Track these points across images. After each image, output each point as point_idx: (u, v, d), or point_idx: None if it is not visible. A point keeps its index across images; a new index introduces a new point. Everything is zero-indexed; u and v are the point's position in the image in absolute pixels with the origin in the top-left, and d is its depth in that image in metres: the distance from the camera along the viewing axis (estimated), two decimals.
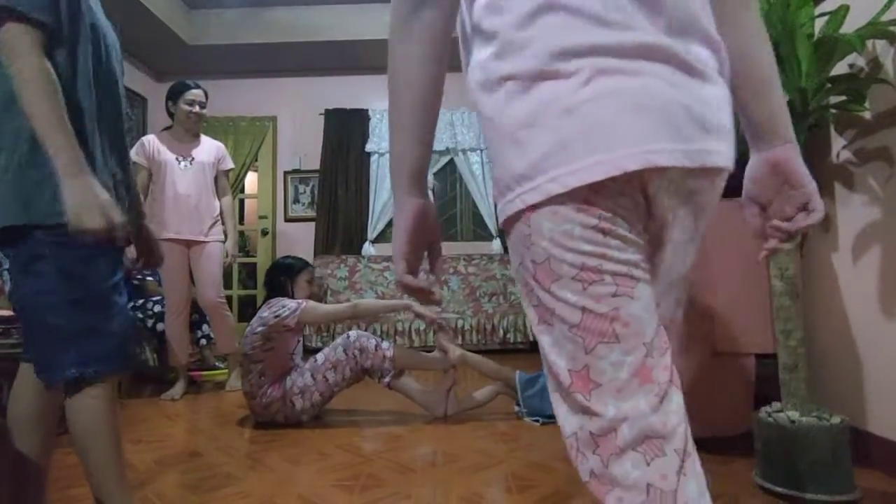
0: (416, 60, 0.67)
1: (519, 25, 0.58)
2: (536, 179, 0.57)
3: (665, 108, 0.56)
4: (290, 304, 2.26)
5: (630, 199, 0.58)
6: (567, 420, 0.61)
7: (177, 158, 2.88)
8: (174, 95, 2.92)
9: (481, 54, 0.64)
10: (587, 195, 0.56)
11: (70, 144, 1.00)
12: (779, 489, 1.43)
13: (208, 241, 2.90)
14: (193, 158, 2.92)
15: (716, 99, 0.61)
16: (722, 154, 0.62)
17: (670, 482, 0.56)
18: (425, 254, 0.72)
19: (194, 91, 2.93)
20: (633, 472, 0.56)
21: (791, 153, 0.73)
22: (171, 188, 2.82)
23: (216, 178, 3.04)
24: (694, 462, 0.59)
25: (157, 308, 3.19)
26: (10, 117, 1.02)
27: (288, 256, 2.59)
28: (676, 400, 0.60)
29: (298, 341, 2.37)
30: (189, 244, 2.86)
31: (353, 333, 2.29)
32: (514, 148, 0.59)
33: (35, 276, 1.04)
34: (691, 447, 0.60)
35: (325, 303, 4.82)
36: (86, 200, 1.00)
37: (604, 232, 0.57)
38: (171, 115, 2.94)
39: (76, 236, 1.00)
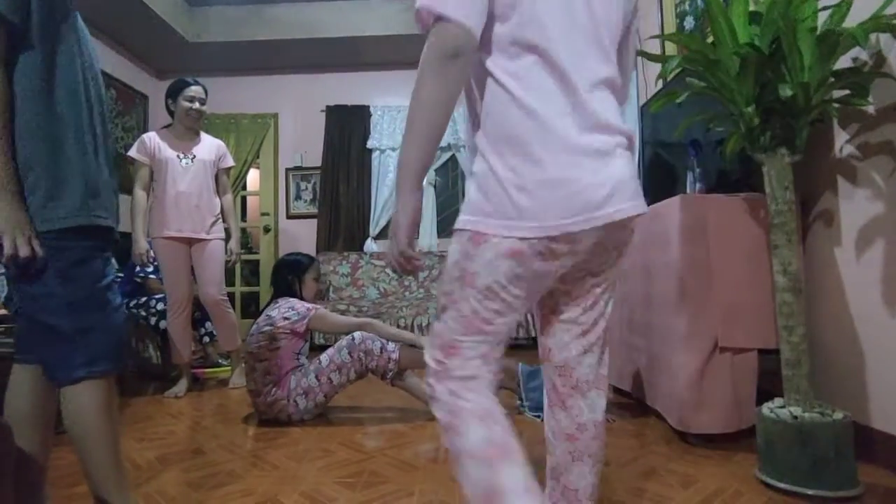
0: (445, 95, 0.83)
1: (491, 101, 0.89)
2: (483, 218, 0.85)
3: (591, 185, 0.83)
4: (300, 307, 2.26)
5: (557, 250, 0.85)
6: (429, 356, 0.93)
7: (178, 156, 2.87)
8: (173, 93, 2.90)
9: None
10: (522, 245, 0.83)
11: (4, 159, 1.00)
12: (781, 485, 1.43)
13: (210, 239, 2.90)
14: (195, 156, 2.91)
15: (623, 169, 0.88)
16: (636, 207, 0.90)
17: (472, 400, 0.89)
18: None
19: (194, 88, 2.91)
20: (472, 431, 0.89)
21: None
22: (171, 186, 2.82)
23: (216, 176, 3.04)
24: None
25: (160, 306, 3.20)
26: None
27: (293, 253, 2.58)
28: (491, 371, 0.92)
29: (305, 342, 2.36)
30: (190, 242, 2.87)
31: (357, 335, 2.27)
32: (500, 195, 0.84)
33: (36, 280, 1.05)
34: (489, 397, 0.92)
35: (328, 299, 4.83)
36: (6, 222, 1.00)
37: (515, 274, 0.85)
38: (170, 112, 2.93)
39: (6, 260, 1.01)
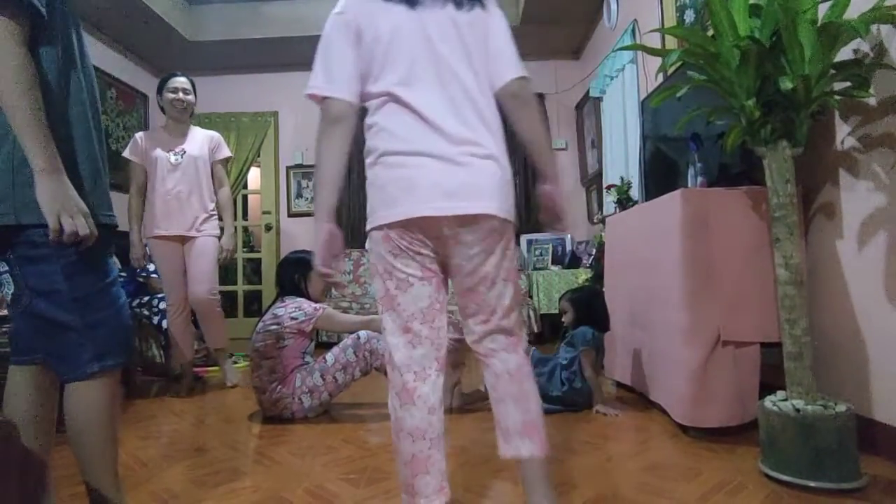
0: (336, 149, 1.14)
1: (370, 136, 1.17)
2: (371, 217, 1.16)
3: (424, 185, 1.08)
4: (307, 307, 2.26)
5: (414, 236, 1.11)
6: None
7: (167, 153, 2.82)
8: (160, 88, 2.89)
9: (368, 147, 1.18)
10: (386, 231, 1.12)
11: (48, 143, 0.99)
12: (784, 477, 1.43)
13: (199, 237, 2.85)
14: (185, 152, 2.85)
15: (466, 177, 1.09)
16: (467, 207, 1.09)
17: (404, 388, 1.14)
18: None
19: (177, 79, 2.87)
20: (393, 376, 1.17)
21: (554, 188, 1.25)
22: (160, 184, 2.78)
23: (213, 169, 2.97)
24: (418, 378, 1.15)
25: (163, 305, 3.20)
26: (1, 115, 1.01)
27: (298, 251, 2.55)
28: (425, 345, 1.16)
29: (311, 341, 2.36)
30: (182, 240, 2.83)
31: (363, 334, 2.28)
32: (373, 189, 1.16)
33: (40, 276, 1.05)
34: (424, 368, 1.16)
35: (330, 296, 4.83)
36: (65, 202, 1.00)
37: (392, 254, 1.13)
38: (162, 109, 2.92)
39: (53, 238, 1.00)
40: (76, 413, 1.10)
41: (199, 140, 2.93)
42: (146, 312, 3.23)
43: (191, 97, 2.91)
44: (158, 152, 2.81)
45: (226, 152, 3.04)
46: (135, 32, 4.35)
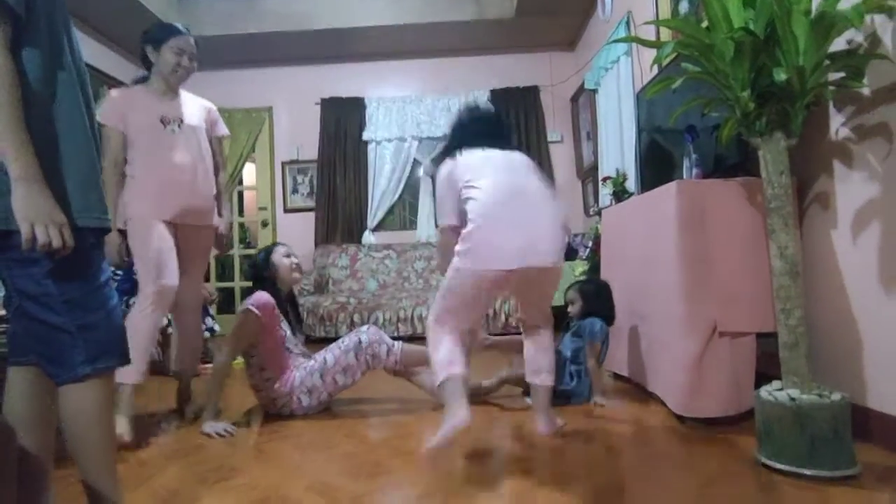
0: (442, 259, 1.89)
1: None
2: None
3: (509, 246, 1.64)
4: (249, 302, 2.18)
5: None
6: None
7: (161, 120, 2.17)
8: (156, 40, 2.19)
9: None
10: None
11: (26, 150, 0.97)
12: (780, 466, 1.44)
13: (203, 227, 2.32)
14: (182, 121, 2.23)
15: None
16: (539, 260, 1.67)
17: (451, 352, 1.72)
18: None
19: (183, 38, 2.19)
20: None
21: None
22: (156, 158, 2.14)
23: (211, 148, 2.39)
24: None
25: None
26: None
27: (258, 251, 2.50)
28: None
29: (284, 332, 2.27)
30: (177, 228, 2.21)
31: (364, 338, 2.27)
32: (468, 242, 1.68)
33: (29, 279, 1.04)
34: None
35: (328, 291, 4.84)
36: (38, 211, 0.98)
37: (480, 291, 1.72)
38: (147, 65, 2.23)
39: (25, 247, 0.98)
40: (71, 415, 1.10)
41: (197, 109, 2.34)
42: None
43: (196, 63, 2.28)
44: (149, 118, 2.15)
45: (224, 129, 2.49)
46: (127, 29, 4.31)
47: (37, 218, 0.97)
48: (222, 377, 2.12)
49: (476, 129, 1.88)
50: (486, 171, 1.73)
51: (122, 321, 1.16)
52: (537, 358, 1.86)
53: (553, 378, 1.86)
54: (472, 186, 1.70)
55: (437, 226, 1.84)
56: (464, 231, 1.69)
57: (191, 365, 2.42)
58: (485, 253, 1.64)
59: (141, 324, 2.03)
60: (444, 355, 1.70)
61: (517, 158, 1.82)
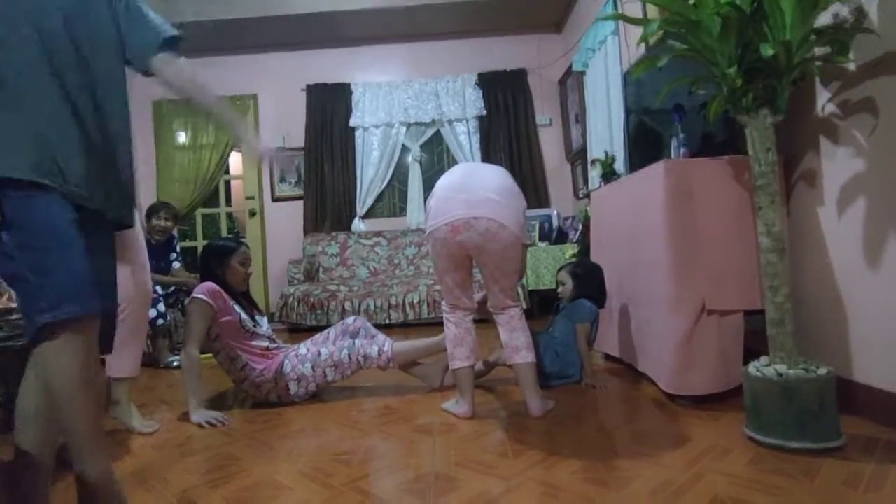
0: None
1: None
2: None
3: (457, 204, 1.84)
4: (194, 293, 2.17)
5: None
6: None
7: None
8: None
9: None
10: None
11: None
12: (768, 440, 1.46)
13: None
14: None
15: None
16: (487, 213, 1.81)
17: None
18: None
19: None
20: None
21: None
22: None
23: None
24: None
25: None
26: None
27: (221, 238, 2.46)
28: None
29: (235, 315, 2.21)
30: None
31: (358, 342, 2.28)
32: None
33: None
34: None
35: (318, 280, 4.81)
36: None
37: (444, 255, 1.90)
38: None
39: None
40: (48, 380, 1.03)
41: None
42: None
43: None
44: None
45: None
46: None
47: None
48: (196, 370, 2.09)
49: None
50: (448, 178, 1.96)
51: (84, 265, 1.07)
52: (513, 338, 1.90)
53: (533, 355, 1.90)
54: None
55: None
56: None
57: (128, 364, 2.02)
58: (433, 214, 1.86)
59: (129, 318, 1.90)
60: (449, 349, 1.95)
61: (484, 166, 2.02)
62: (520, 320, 1.92)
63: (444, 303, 2.01)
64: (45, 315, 1.01)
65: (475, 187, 1.84)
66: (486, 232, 1.78)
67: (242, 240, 2.59)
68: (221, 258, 2.28)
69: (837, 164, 1.72)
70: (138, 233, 1.92)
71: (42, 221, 1.05)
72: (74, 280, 1.05)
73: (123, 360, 1.90)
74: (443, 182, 1.93)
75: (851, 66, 1.63)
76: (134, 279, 1.87)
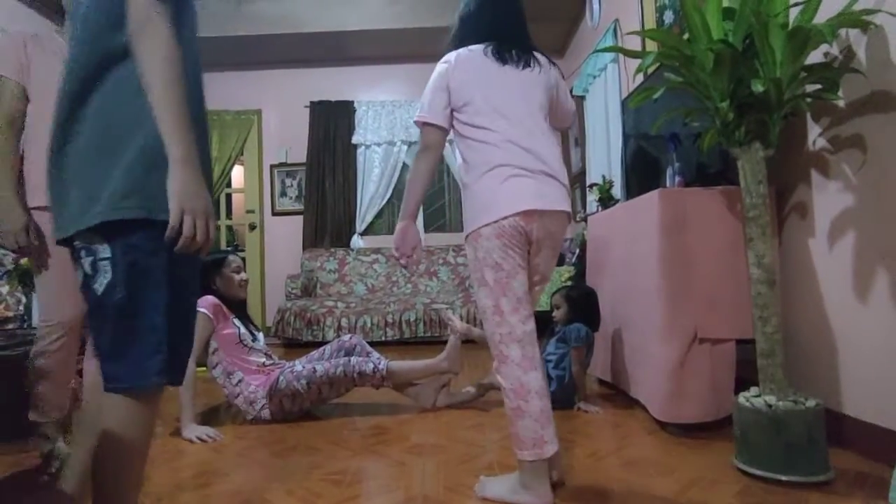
0: (424, 169, 1.53)
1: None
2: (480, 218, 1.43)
3: (529, 189, 1.41)
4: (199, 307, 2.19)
5: (516, 233, 1.41)
6: (490, 328, 1.44)
7: None
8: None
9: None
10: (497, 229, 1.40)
11: (189, 130, 0.90)
12: (757, 472, 1.47)
13: None
14: None
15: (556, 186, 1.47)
16: (559, 203, 1.46)
17: (524, 357, 1.39)
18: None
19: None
20: (513, 352, 1.40)
21: None
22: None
23: None
24: (533, 348, 1.42)
25: None
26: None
27: (213, 252, 2.48)
28: (531, 321, 1.43)
29: (234, 329, 2.25)
30: None
31: (353, 358, 2.29)
32: (474, 201, 1.46)
33: (142, 272, 0.93)
34: (533, 342, 1.42)
35: (316, 295, 4.82)
36: (196, 198, 0.90)
37: (504, 248, 1.41)
38: (62, 12, 1.75)
39: (169, 235, 0.89)
40: (111, 424, 0.95)
41: None
42: None
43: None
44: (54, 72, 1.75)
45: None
46: None
47: (191, 207, 0.88)
48: (191, 384, 2.10)
49: (487, 21, 1.57)
50: (490, 103, 1.47)
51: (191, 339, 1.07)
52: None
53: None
54: (476, 121, 1.46)
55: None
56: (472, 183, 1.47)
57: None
58: (497, 199, 1.41)
59: (50, 362, 1.70)
60: (531, 431, 1.35)
61: (535, 84, 1.51)
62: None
63: (514, 334, 1.39)
64: (155, 378, 0.95)
65: (546, 158, 1.45)
66: (559, 223, 1.48)
67: (237, 247, 2.60)
68: (214, 271, 2.31)
69: (828, 198, 1.75)
70: None
71: (192, 284, 1.05)
72: (185, 352, 1.04)
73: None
74: (497, 150, 1.43)
75: (841, 104, 1.67)
76: (71, 300, 1.65)
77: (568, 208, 1.48)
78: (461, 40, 1.57)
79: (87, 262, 0.94)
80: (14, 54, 1.69)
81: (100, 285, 0.93)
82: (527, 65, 1.52)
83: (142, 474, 1.00)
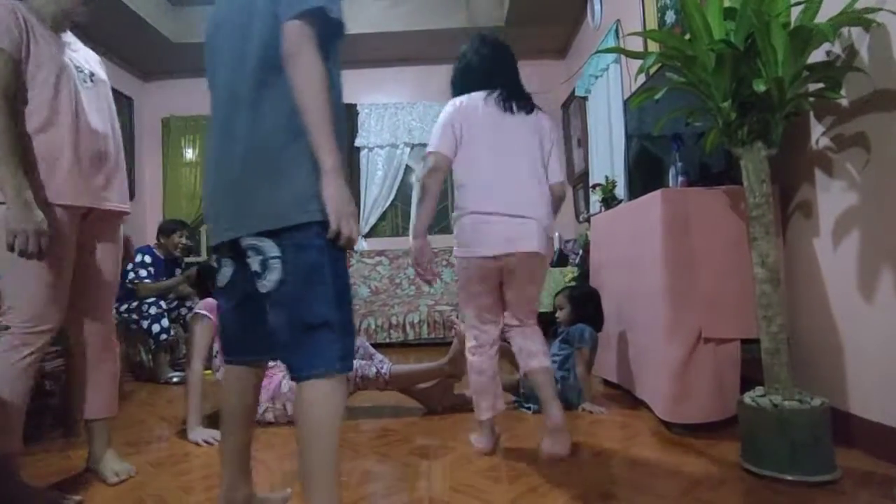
0: (432, 190, 1.75)
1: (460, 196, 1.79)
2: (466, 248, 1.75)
3: (496, 234, 1.69)
4: (196, 308, 2.25)
5: (486, 270, 1.73)
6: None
7: (77, 68, 1.58)
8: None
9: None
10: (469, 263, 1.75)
11: (336, 142, 1.02)
12: (763, 471, 1.46)
13: (118, 211, 1.68)
14: (94, 73, 1.66)
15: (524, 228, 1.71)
16: (524, 246, 1.69)
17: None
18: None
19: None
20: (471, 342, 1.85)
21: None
22: (72, 117, 1.51)
23: None
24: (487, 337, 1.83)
25: (153, 310, 3.21)
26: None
27: (206, 259, 2.59)
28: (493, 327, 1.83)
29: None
30: (85, 215, 1.58)
31: (357, 363, 2.29)
32: (457, 231, 1.78)
33: (311, 269, 1.03)
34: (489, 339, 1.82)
35: None
36: (347, 203, 1.03)
37: (477, 278, 1.76)
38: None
39: (331, 235, 1.02)
40: (305, 413, 1.04)
41: (93, 59, 1.73)
42: (135, 317, 3.23)
43: None
44: (61, 58, 1.53)
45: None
46: (119, 36, 4.32)
47: (345, 212, 1.01)
48: (198, 387, 2.11)
49: (486, 72, 1.83)
50: (484, 144, 1.73)
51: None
52: (527, 344, 1.79)
53: (550, 361, 1.80)
54: (467, 163, 1.75)
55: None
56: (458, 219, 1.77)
57: (106, 404, 1.72)
58: (471, 238, 1.72)
59: (25, 375, 1.45)
60: (476, 399, 1.80)
61: (524, 129, 1.76)
62: (536, 330, 1.83)
63: (472, 332, 1.82)
64: (337, 364, 1.06)
65: (520, 203, 1.70)
66: (528, 260, 1.71)
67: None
68: (211, 275, 2.33)
69: (832, 197, 1.75)
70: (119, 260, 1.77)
71: (348, 277, 1.14)
72: (354, 338, 1.14)
73: (92, 399, 1.67)
74: (478, 194, 1.71)
75: (844, 102, 1.66)
76: (98, 307, 1.66)
77: (538, 249, 1.70)
78: (461, 90, 1.83)
79: (255, 260, 1.06)
80: (18, 26, 1.44)
81: (269, 282, 1.04)
82: (521, 110, 1.78)
83: (335, 452, 1.05)
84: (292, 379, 1.06)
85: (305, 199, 1.02)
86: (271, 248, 1.04)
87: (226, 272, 1.20)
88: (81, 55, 1.66)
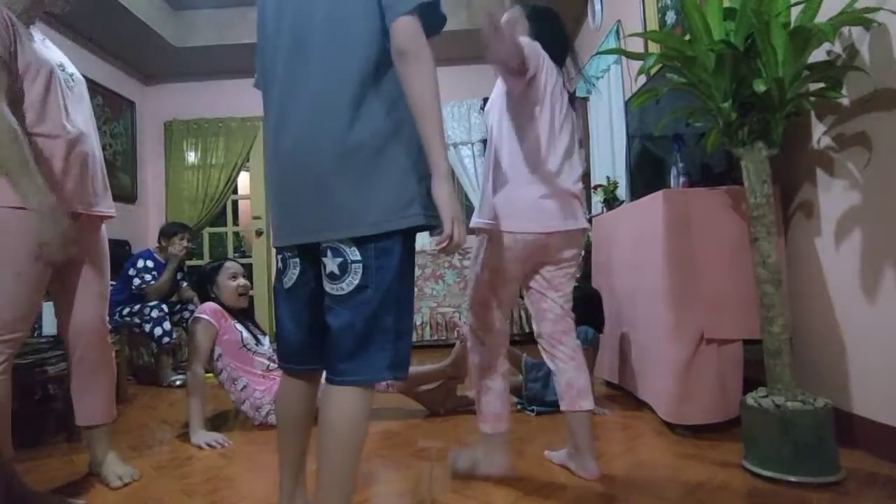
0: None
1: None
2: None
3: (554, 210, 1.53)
4: (196, 312, 2.26)
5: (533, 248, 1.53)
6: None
7: (60, 66, 1.54)
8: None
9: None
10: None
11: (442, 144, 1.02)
12: (766, 473, 1.46)
13: (104, 215, 1.65)
14: (73, 73, 1.62)
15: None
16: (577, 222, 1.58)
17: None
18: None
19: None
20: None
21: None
22: (61, 120, 1.48)
23: None
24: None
25: (155, 313, 3.21)
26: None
27: (212, 261, 2.58)
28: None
29: (237, 332, 2.28)
30: (74, 219, 1.50)
31: None
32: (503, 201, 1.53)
33: (391, 275, 1.01)
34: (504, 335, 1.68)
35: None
36: (458, 208, 1.04)
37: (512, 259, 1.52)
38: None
39: (442, 241, 1.03)
40: (331, 416, 1.03)
41: (66, 59, 1.64)
42: (137, 321, 3.23)
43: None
44: (46, 58, 1.49)
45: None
46: (121, 39, 4.34)
47: (458, 216, 1.02)
48: (200, 390, 2.12)
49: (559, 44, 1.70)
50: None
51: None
52: (579, 377, 1.58)
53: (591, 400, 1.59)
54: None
55: None
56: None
57: (102, 410, 1.69)
58: (517, 212, 1.52)
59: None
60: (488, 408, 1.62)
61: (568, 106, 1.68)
62: (582, 356, 1.64)
63: (475, 331, 1.65)
64: (385, 373, 1.04)
65: (573, 178, 1.60)
66: (573, 239, 1.59)
67: (242, 254, 2.67)
68: (210, 279, 2.34)
69: (834, 197, 1.74)
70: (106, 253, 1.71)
71: (414, 282, 1.15)
72: (409, 348, 1.10)
73: (89, 405, 1.66)
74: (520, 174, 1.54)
75: (845, 102, 1.66)
76: (89, 312, 1.62)
77: (583, 224, 1.59)
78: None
79: (334, 262, 1.02)
80: (7, 30, 1.39)
81: (348, 285, 1.01)
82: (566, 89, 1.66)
83: (358, 463, 1.06)
84: (328, 381, 1.03)
85: (404, 204, 1.00)
86: (353, 251, 1.00)
87: (292, 273, 1.12)
88: (56, 53, 1.58)
